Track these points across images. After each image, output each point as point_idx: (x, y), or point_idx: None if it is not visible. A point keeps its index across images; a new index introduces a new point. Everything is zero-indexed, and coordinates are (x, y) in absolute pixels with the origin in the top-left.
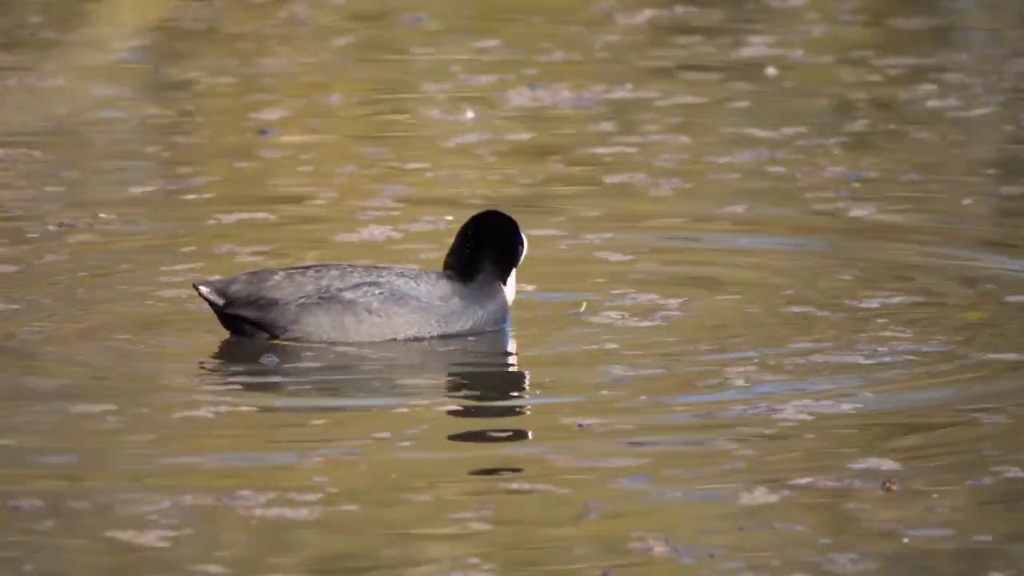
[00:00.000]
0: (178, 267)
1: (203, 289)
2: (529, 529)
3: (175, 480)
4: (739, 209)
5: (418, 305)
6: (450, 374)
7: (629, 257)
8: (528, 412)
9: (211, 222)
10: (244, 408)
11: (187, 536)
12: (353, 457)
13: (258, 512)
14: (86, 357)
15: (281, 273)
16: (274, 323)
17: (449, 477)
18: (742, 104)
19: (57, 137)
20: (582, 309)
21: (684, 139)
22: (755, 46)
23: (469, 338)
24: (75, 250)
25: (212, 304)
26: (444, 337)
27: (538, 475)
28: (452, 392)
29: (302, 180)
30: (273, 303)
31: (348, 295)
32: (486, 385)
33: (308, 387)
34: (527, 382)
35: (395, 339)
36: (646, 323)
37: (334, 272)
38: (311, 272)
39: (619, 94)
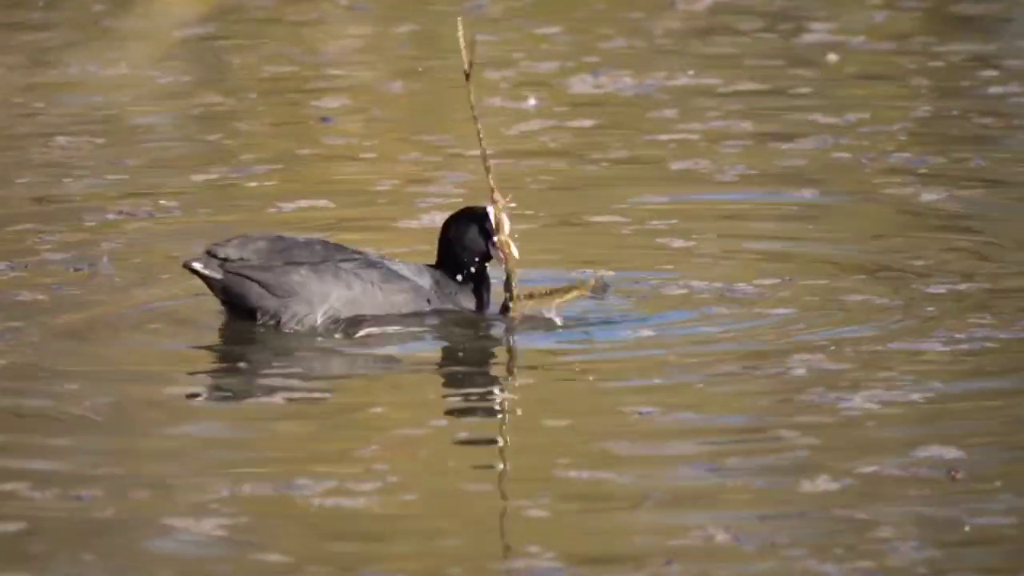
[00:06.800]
0: None
1: (196, 265)
2: (590, 517)
3: (234, 468)
4: (806, 195)
5: (410, 285)
6: (505, 361)
7: (692, 243)
8: (587, 400)
9: (272, 210)
10: (311, 395)
11: (245, 524)
12: (411, 446)
13: (316, 500)
14: (141, 344)
15: (266, 240)
16: (278, 286)
17: (506, 465)
18: (804, 91)
19: (119, 124)
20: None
21: (747, 126)
22: (816, 32)
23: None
24: (133, 237)
25: (207, 278)
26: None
27: (598, 463)
28: (508, 380)
29: (364, 167)
30: (270, 267)
31: (347, 266)
32: (543, 373)
33: (363, 375)
34: (584, 369)
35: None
36: (710, 309)
37: (317, 246)
38: (302, 242)
39: (681, 81)
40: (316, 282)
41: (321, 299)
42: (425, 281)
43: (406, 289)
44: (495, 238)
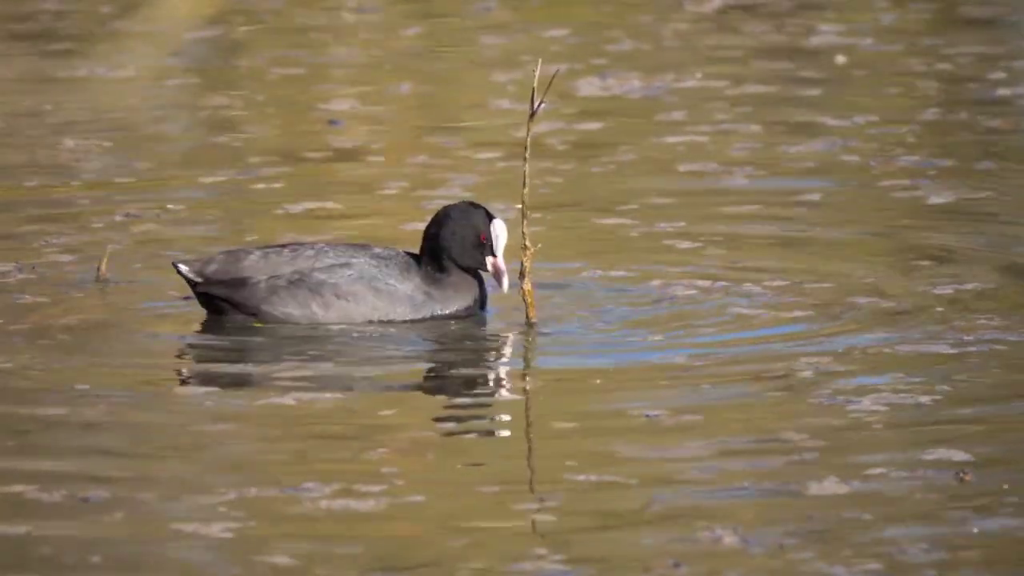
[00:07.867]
0: None
1: (182, 268)
2: (596, 519)
3: (241, 471)
4: (814, 197)
5: (387, 290)
6: (511, 365)
7: (700, 245)
8: (594, 402)
9: (279, 212)
10: (318, 397)
11: (252, 528)
12: (418, 449)
13: (323, 504)
14: (147, 346)
15: (257, 253)
16: (245, 302)
17: (513, 468)
18: (812, 92)
19: (126, 127)
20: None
21: (755, 128)
22: (824, 34)
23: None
24: (138, 240)
25: (189, 282)
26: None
27: (605, 465)
28: (514, 383)
29: (372, 170)
30: (243, 282)
31: (318, 276)
32: (548, 375)
33: (369, 378)
34: (593, 371)
35: (367, 322)
36: (718, 312)
37: (308, 252)
38: (287, 252)
39: (689, 83)
40: (277, 298)
41: (285, 313)
42: (412, 281)
43: (381, 295)
44: (498, 259)
